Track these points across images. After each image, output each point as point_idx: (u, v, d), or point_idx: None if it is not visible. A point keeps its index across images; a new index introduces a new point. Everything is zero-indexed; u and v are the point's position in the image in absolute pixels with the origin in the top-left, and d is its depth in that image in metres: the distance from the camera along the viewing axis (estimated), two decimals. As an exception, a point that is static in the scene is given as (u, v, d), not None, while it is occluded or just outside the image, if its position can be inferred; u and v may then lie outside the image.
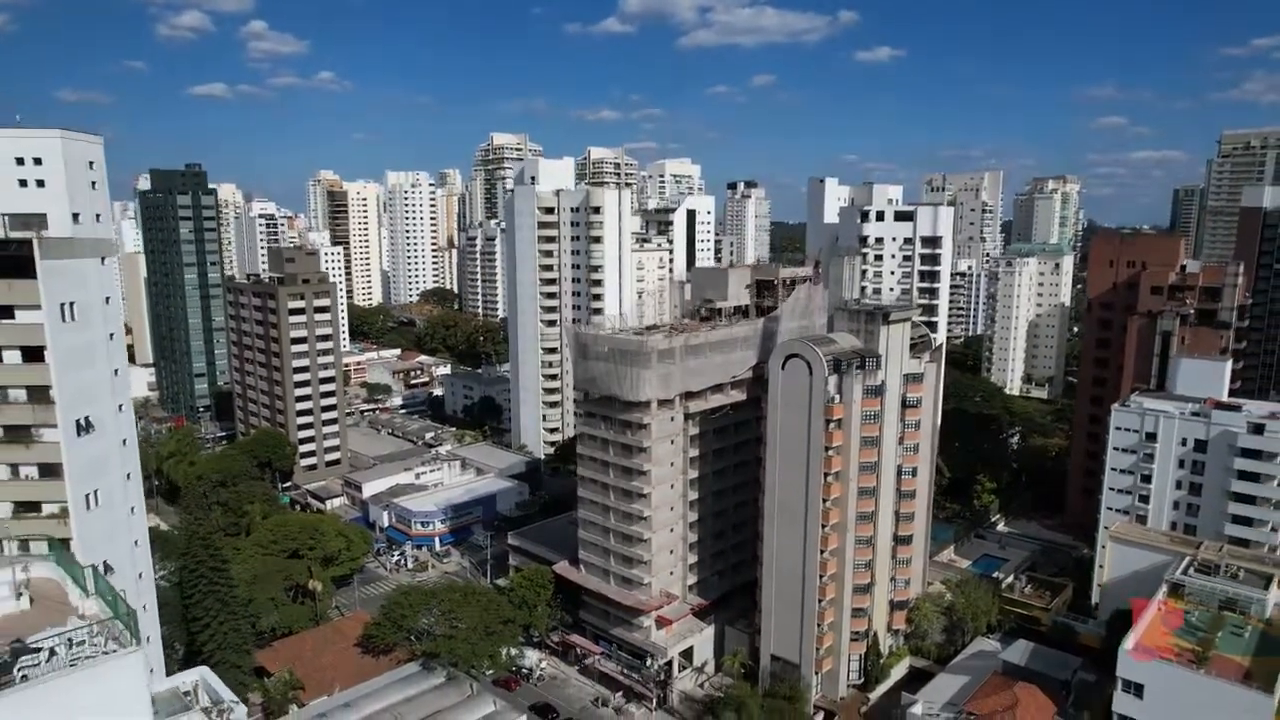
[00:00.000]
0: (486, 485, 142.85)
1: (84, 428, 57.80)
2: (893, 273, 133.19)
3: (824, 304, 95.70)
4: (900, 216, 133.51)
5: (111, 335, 61.62)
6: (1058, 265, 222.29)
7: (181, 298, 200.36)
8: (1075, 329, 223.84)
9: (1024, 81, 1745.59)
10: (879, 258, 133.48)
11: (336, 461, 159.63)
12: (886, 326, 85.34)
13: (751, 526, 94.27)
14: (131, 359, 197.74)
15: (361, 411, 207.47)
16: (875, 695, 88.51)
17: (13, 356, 56.58)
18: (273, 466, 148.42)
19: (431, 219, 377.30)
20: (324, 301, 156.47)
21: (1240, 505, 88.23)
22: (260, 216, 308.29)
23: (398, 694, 79.95)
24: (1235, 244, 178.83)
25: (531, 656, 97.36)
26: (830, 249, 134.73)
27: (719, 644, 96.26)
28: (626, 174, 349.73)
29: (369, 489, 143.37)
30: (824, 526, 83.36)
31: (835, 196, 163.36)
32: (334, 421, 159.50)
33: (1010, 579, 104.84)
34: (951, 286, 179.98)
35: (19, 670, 22.42)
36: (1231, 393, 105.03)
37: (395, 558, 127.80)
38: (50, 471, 57.07)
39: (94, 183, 60.21)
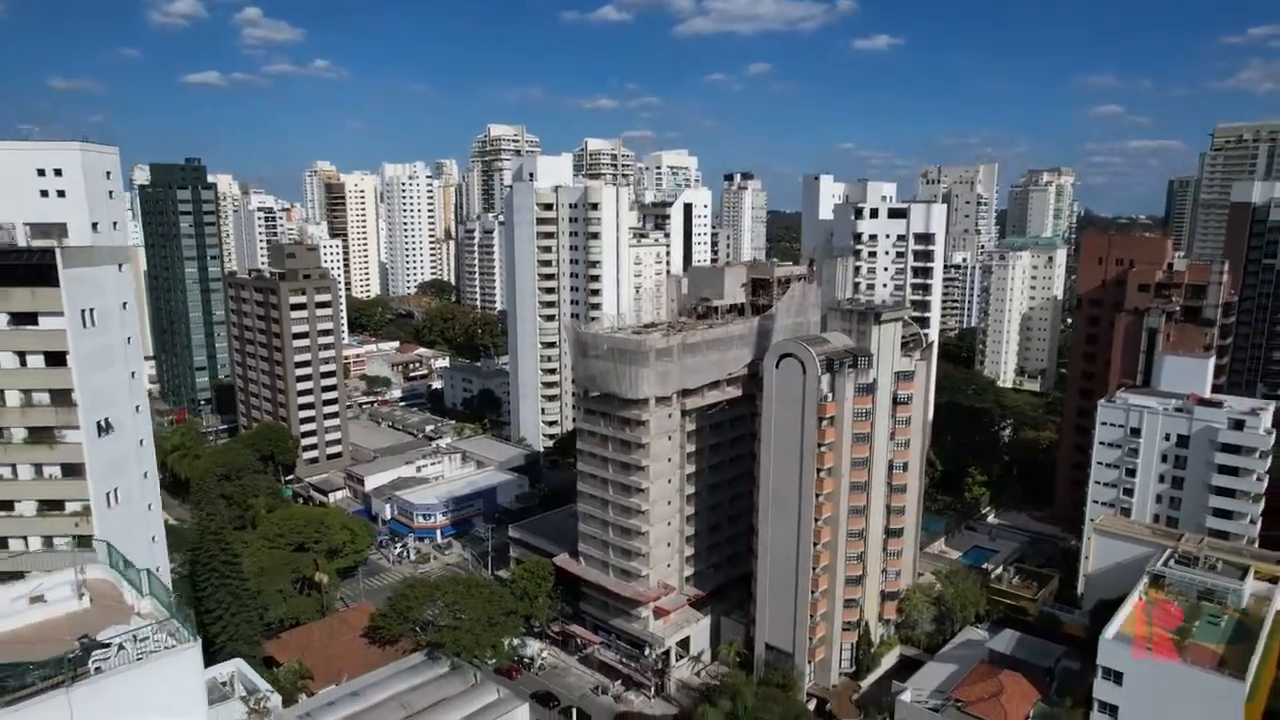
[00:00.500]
0: (487, 478, 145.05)
1: (104, 429, 60.08)
2: (886, 269, 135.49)
3: (818, 301, 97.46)
4: (894, 214, 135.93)
5: (129, 339, 63.69)
6: (1050, 258, 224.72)
7: (182, 291, 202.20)
8: (1068, 321, 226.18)
9: (1022, 70, 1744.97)
10: (873, 254, 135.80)
11: (338, 455, 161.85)
12: (878, 326, 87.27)
13: (746, 520, 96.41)
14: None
15: (361, 404, 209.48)
16: (866, 683, 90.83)
17: (36, 361, 58.71)
18: (275, 460, 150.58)
19: (429, 211, 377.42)
20: (325, 297, 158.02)
21: (1220, 499, 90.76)
22: (259, 210, 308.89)
23: (404, 683, 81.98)
24: (1225, 239, 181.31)
25: (533, 646, 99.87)
26: (824, 247, 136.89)
27: (715, 634, 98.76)
28: (623, 166, 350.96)
29: (371, 482, 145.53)
30: (817, 520, 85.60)
31: (830, 193, 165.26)
32: (335, 415, 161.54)
33: (999, 570, 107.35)
34: (946, 279, 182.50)
35: (93, 663, 25.24)
36: (1220, 388, 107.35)
37: (398, 550, 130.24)
38: (73, 471, 59.41)
39: (111, 192, 62.19)
